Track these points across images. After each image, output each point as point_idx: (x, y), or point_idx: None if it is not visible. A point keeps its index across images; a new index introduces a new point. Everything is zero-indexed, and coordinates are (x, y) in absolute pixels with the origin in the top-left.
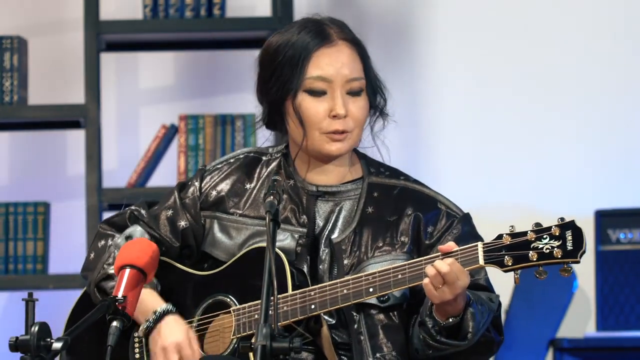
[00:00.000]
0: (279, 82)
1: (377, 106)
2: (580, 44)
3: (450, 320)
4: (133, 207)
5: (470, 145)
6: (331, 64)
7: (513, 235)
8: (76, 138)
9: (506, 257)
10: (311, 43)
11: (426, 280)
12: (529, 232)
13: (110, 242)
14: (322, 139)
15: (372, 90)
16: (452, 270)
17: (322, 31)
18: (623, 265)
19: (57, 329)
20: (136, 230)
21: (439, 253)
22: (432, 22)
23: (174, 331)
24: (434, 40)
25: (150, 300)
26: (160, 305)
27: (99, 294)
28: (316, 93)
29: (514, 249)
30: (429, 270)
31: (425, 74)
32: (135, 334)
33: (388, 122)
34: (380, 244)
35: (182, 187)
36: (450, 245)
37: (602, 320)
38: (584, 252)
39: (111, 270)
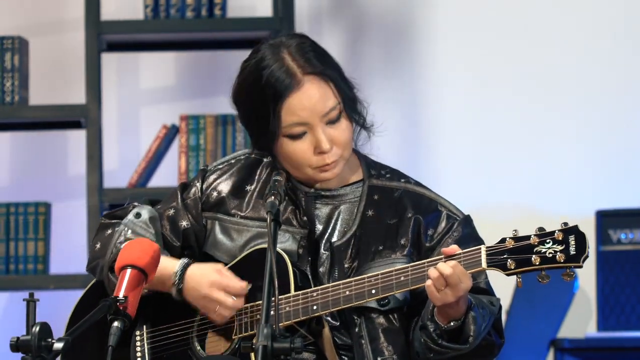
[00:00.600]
0: (257, 129)
1: (359, 121)
2: (580, 44)
3: (452, 323)
4: (135, 204)
5: (470, 145)
6: (304, 107)
7: (516, 239)
8: (77, 138)
9: (509, 260)
10: (278, 90)
11: (429, 282)
12: (532, 236)
13: (117, 227)
14: (315, 172)
15: (350, 108)
16: (455, 273)
17: (286, 72)
18: (624, 266)
19: (58, 329)
20: (144, 207)
21: (442, 256)
22: (432, 22)
23: (202, 277)
24: (434, 40)
25: (164, 265)
26: (175, 265)
27: (113, 276)
28: (296, 137)
29: (516, 253)
30: (432, 272)
31: (425, 74)
32: (137, 333)
33: (374, 133)
34: (381, 248)
35: (185, 187)
36: (453, 248)
37: (603, 320)
38: (586, 257)
39: None
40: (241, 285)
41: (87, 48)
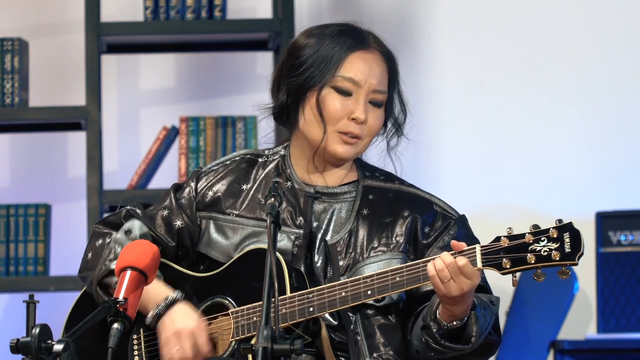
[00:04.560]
0: (309, 72)
1: (395, 123)
2: (581, 44)
3: (455, 323)
4: (128, 207)
5: (470, 146)
6: (364, 70)
7: (511, 237)
8: (77, 140)
9: (504, 259)
10: (350, 44)
11: (432, 272)
12: (526, 234)
13: (108, 239)
14: (334, 138)
15: (390, 107)
16: (459, 269)
17: (361, 36)
18: (624, 267)
19: (58, 330)
20: (134, 224)
21: (436, 255)
22: (432, 22)
23: (187, 318)
24: (434, 40)
25: (159, 289)
26: (170, 292)
27: (102, 290)
28: (342, 92)
29: (511, 252)
30: (438, 262)
31: (426, 75)
32: (135, 336)
33: (401, 140)
34: (376, 244)
35: (178, 188)
36: (462, 244)
37: (603, 322)
38: (582, 254)
39: (113, 266)
40: (208, 349)
41: (87, 50)
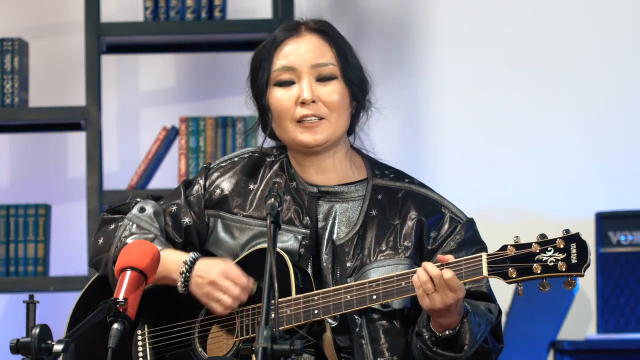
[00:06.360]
0: (256, 83)
1: (357, 96)
2: (580, 46)
3: (447, 332)
4: (139, 199)
5: (470, 147)
6: (294, 52)
7: (517, 246)
8: (77, 140)
9: (510, 268)
10: (279, 38)
11: (417, 284)
12: (533, 243)
13: (120, 222)
14: (295, 130)
15: (348, 75)
16: (443, 279)
17: (292, 27)
18: (624, 268)
19: (58, 331)
20: (148, 202)
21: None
22: (432, 23)
23: (212, 265)
24: (434, 41)
25: (174, 256)
26: (186, 256)
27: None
28: (284, 84)
29: (518, 261)
30: (421, 274)
31: (426, 75)
32: (139, 332)
33: (371, 112)
34: (384, 248)
35: (188, 184)
36: (447, 257)
37: (603, 322)
38: (588, 265)
39: (130, 241)
40: (248, 280)
41: (87, 50)
